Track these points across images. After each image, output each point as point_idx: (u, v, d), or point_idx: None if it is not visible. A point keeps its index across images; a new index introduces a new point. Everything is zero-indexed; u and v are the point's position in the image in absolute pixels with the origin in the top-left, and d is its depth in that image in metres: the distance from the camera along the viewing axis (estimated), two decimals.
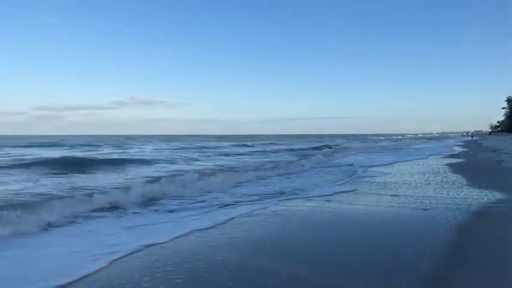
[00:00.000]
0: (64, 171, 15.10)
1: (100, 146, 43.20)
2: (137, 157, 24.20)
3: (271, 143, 53.54)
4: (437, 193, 9.45)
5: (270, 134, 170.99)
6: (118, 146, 42.40)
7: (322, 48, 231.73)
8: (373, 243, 5.36)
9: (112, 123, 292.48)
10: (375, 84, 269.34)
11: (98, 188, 10.31)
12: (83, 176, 14.16)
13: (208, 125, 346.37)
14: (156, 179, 11.43)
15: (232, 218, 6.95)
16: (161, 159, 22.54)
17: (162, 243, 5.36)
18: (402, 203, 8.28)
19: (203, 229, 6.14)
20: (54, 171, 15.36)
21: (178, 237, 5.66)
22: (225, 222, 6.68)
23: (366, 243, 5.36)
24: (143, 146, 43.31)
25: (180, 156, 25.97)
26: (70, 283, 3.93)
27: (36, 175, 14.03)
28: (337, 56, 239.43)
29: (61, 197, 8.30)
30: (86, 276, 4.13)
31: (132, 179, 13.15)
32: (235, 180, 12.33)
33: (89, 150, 33.16)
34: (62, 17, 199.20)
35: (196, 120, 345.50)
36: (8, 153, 26.84)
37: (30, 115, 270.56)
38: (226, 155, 28.72)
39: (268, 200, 8.94)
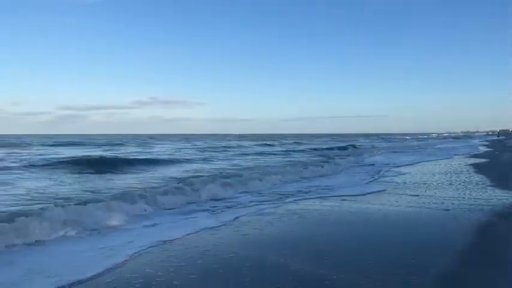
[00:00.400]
0: (111, 170, 15.84)
1: (124, 144, 44.25)
2: (170, 157, 24.34)
3: (294, 142, 53.33)
4: (460, 193, 9.34)
5: (288, 133, 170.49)
6: (142, 145, 43.17)
7: (344, 45, 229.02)
8: (394, 243, 5.38)
9: (133, 122, 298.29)
10: (399, 82, 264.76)
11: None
12: (130, 175, 14.78)
13: (226, 124, 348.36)
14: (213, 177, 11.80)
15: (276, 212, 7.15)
16: (195, 159, 23.10)
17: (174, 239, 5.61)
18: (423, 203, 8.24)
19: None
20: (99, 170, 15.83)
21: (188, 234, 5.89)
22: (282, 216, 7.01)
23: (388, 244, 5.38)
24: (166, 145, 43.97)
25: (211, 155, 26.27)
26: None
27: (86, 173, 14.95)
28: (359, 54, 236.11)
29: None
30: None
31: (188, 177, 13.06)
32: (281, 179, 12.76)
33: (117, 150, 33.82)
34: (82, 18, 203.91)
35: (213, 120, 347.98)
36: (45, 153, 27.37)
37: (56, 114, 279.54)
38: (258, 153, 28.80)
39: (303, 198, 9.21)
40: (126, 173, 15.35)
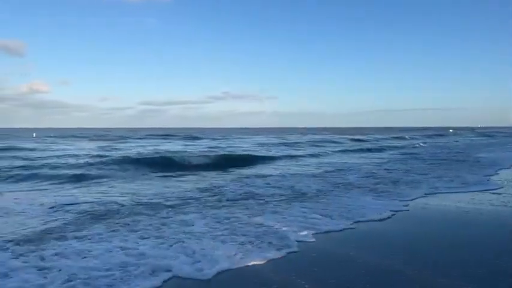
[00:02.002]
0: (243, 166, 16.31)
1: (202, 138, 44.87)
2: (280, 153, 23.73)
3: (392, 137, 49.54)
4: None
5: (360, 126, 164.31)
6: (225, 140, 43.40)
7: (417, 38, 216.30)
8: None
9: (207, 116, 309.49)
10: (483, 72, 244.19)
11: None
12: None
13: (296, 118, 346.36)
14: None
15: None
16: (304, 155, 22.54)
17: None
18: None
19: None
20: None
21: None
22: None
23: None
24: (247, 139, 43.69)
25: (316, 151, 25.27)
26: None
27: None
28: (436, 46, 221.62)
29: None
30: None
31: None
32: None
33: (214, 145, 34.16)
34: (161, 18, 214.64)
35: (283, 114, 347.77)
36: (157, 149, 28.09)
37: (138, 109, 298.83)
38: (363, 150, 27.29)
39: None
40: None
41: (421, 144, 35.60)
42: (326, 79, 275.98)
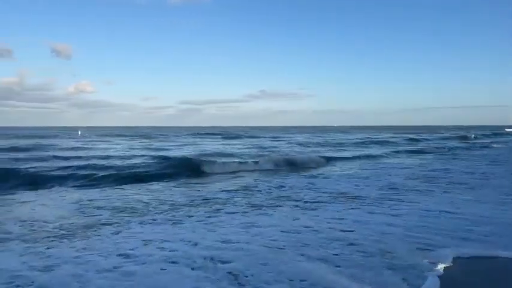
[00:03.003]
0: None
1: (241, 137, 44.07)
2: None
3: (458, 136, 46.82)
4: None
5: (402, 125, 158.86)
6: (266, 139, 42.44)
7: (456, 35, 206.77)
8: None
9: (243, 115, 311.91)
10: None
11: None
12: None
13: (335, 116, 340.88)
14: None
15: None
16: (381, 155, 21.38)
17: None
18: None
19: None
20: None
21: None
22: None
23: None
24: (289, 139, 42.47)
25: (385, 152, 23.82)
26: None
27: None
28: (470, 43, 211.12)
29: None
30: None
31: None
32: None
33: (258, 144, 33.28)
34: (200, 18, 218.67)
35: (322, 112, 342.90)
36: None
37: (177, 108, 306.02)
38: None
39: None
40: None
41: (496, 145, 32.57)
42: (367, 77, 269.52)
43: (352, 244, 5.27)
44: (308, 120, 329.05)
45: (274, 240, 5.46)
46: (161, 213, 7.39)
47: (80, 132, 58.80)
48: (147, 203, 8.46)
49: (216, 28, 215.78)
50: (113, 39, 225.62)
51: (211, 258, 4.69)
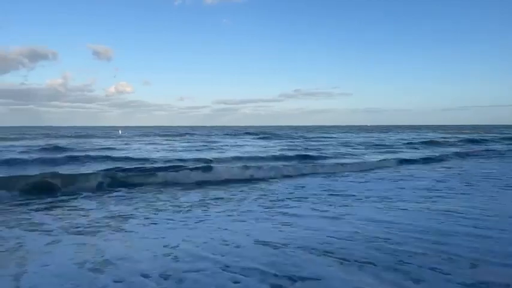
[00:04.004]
0: None
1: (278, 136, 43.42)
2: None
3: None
4: None
5: (441, 124, 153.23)
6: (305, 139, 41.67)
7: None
8: None
9: (277, 114, 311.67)
10: None
11: None
12: None
13: (371, 115, 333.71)
14: None
15: None
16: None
17: None
18: None
19: None
20: None
21: None
22: None
23: None
24: (324, 138, 41.47)
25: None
26: None
27: None
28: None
29: None
30: None
31: None
32: None
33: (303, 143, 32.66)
34: (234, 18, 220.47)
35: (358, 111, 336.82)
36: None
37: (212, 108, 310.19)
38: None
39: None
40: None
41: None
42: (407, 76, 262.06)
43: None
44: (345, 120, 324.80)
45: None
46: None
47: (120, 132, 59.95)
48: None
49: (250, 28, 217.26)
50: (151, 41, 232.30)
51: None
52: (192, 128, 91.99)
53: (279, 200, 8.44)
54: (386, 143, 30.71)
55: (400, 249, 4.83)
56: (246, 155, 19.28)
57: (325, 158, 18.95)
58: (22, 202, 8.24)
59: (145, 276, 4.01)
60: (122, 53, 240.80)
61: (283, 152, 20.80)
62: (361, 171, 14.38)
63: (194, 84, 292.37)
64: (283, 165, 14.60)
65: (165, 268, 4.23)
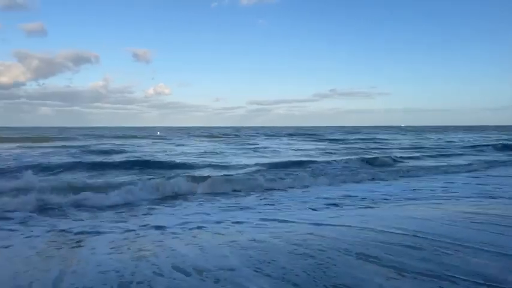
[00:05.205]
0: None
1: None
2: None
3: None
4: None
5: (480, 125, 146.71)
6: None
7: None
8: None
9: (312, 115, 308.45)
10: None
11: None
12: None
13: (412, 115, 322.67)
14: None
15: None
16: None
17: None
18: None
19: None
20: None
21: None
22: None
23: None
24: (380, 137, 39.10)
25: None
26: None
27: None
28: None
29: None
30: None
31: None
32: None
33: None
34: (269, 18, 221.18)
35: (397, 110, 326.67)
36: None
37: (247, 109, 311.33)
38: None
39: None
40: None
41: None
42: (449, 75, 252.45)
43: None
44: (383, 120, 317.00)
45: None
46: None
47: (159, 133, 59.80)
48: None
49: (285, 28, 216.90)
50: (187, 43, 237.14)
51: None
52: (234, 128, 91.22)
53: None
54: (468, 145, 28.59)
55: None
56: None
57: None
58: None
59: None
60: (160, 55, 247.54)
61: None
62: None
63: (229, 85, 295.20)
64: None
65: None
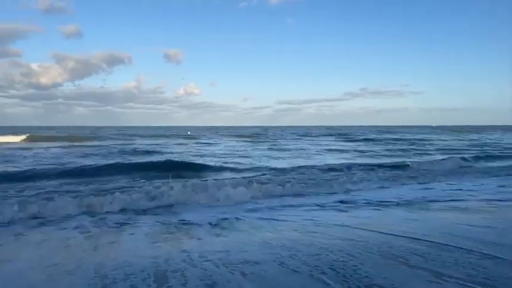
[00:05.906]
0: None
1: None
2: None
3: None
4: None
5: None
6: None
7: None
8: None
9: (342, 114, 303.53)
10: None
11: None
12: None
13: (447, 114, 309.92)
14: None
15: None
16: None
17: None
18: None
19: None
20: None
21: None
22: None
23: None
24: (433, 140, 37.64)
25: None
26: None
27: None
28: None
29: None
30: None
31: None
32: None
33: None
34: (297, 17, 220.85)
35: (431, 110, 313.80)
36: None
37: (275, 108, 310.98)
38: None
39: None
40: None
41: None
42: (487, 74, 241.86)
43: None
44: (416, 120, 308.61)
45: None
46: None
47: (189, 132, 60.39)
48: None
49: (313, 26, 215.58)
50: (217, 43, 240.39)
51: None
52: (262, 128, 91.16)
53: None
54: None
55: None
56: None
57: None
58: None
59: None
60: (190, 55, 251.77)
61: None
62: None
63: (257, 85, 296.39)
64: None
65: None
